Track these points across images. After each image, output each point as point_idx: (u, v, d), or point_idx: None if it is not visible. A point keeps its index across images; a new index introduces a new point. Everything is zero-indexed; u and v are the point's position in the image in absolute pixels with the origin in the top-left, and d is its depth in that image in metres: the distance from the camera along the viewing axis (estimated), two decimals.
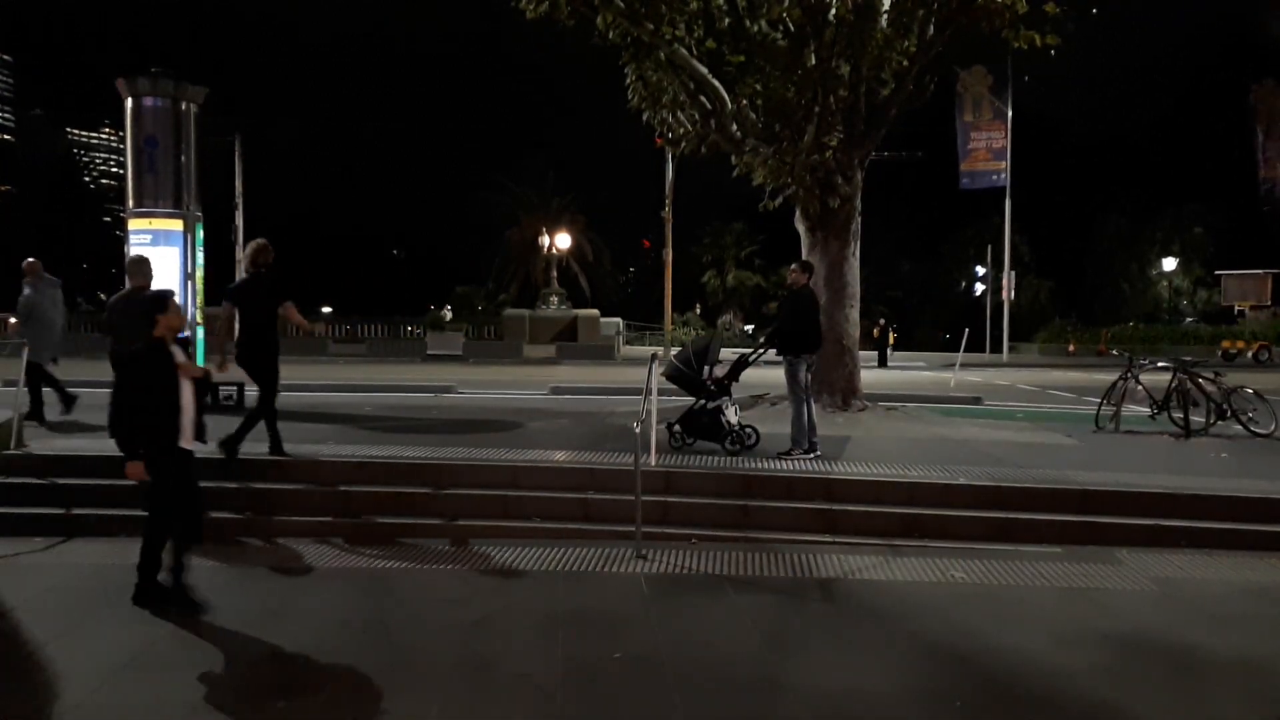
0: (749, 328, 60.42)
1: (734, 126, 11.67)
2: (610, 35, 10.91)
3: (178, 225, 11.48)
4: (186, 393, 5.04)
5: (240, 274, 11.84)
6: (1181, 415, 10.53)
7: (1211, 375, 10.84)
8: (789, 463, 8.01)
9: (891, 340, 30.91)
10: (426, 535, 6.72)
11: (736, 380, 8.86)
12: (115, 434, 5.00)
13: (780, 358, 8.59)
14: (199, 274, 11.70)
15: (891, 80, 11.60)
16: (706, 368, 8.73)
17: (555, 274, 43.62)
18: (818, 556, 6.28)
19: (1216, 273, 49.70)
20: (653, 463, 7.67)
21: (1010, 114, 34.22)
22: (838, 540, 6.69)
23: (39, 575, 5.73)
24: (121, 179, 13.51)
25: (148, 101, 11.48)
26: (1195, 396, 10.69)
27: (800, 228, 11.85)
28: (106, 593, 5.35)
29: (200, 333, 11.81)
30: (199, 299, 11.72)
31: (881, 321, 30.24)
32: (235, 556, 6.19)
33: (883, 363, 28.74)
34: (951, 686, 4.19)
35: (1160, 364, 11.87)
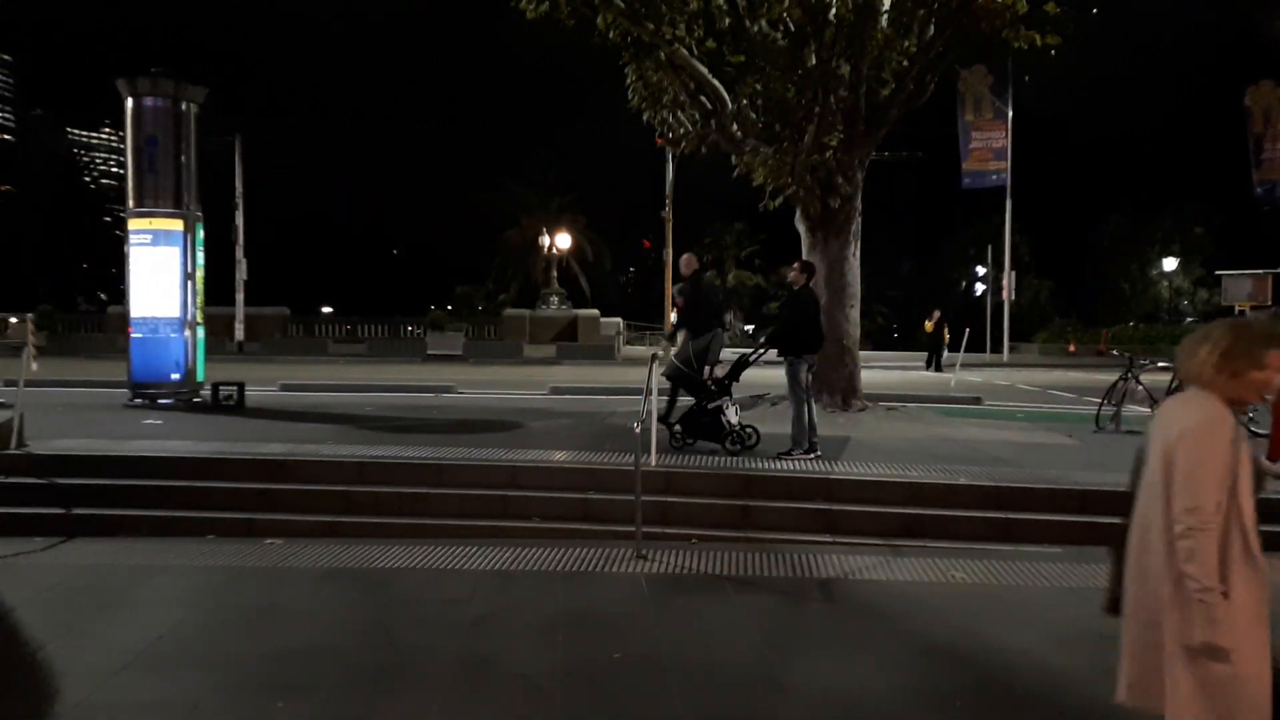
0: (749, 328, 60.40)
1: (734, 126, 11.68)
2: (610, 35, 10.92)
3: (178, 225, 11.49)
4: None
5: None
6: None
7: None
8: (789, 463, 8.01)
9: (947, 338, 24.72)
10: (427, 535, 6.72)
11: (737, 380, 8.86)
12: None
13: (781, 358, 8.59)
14: (199, 274, 11.70)
15: (892, 80, 11.60)
16: (707, 368, 8.74)
17: (555, 274, 43.66)
18: (818, 556, 6.27)
19: (1216, 273, 49.66)
20: (653, 463, 7.67)
21: (1011, 114, 34.20)
22: (838, 540, 6.69)
23: (39, 575, 5.73)
24: (121, 179, 13.51)
25: (148, 101, 11.49)
26: None
27: (800, 228, 11.85)
28: (106, 593, 5.36)
29: (201, 332, 11.83)
30: (199, 299, 11.73)
31: (937, 314, 24.82)
32: (236, 556, 6.19)
33: (932, 364, 24.50)
34: (951, 686, 4.19)
35: (1161, 364, 11.87)
